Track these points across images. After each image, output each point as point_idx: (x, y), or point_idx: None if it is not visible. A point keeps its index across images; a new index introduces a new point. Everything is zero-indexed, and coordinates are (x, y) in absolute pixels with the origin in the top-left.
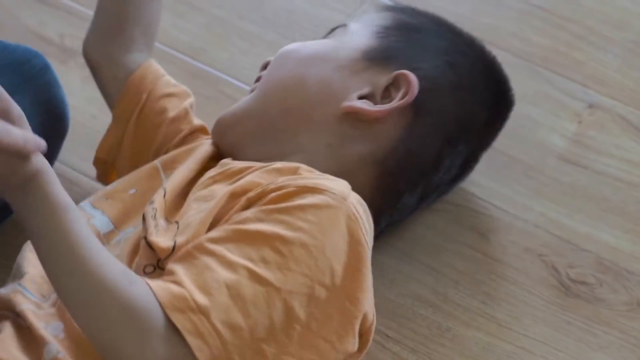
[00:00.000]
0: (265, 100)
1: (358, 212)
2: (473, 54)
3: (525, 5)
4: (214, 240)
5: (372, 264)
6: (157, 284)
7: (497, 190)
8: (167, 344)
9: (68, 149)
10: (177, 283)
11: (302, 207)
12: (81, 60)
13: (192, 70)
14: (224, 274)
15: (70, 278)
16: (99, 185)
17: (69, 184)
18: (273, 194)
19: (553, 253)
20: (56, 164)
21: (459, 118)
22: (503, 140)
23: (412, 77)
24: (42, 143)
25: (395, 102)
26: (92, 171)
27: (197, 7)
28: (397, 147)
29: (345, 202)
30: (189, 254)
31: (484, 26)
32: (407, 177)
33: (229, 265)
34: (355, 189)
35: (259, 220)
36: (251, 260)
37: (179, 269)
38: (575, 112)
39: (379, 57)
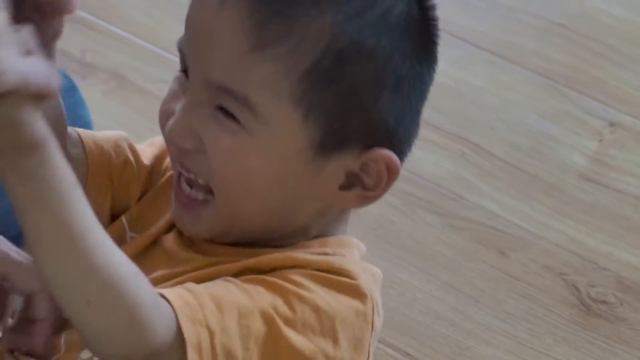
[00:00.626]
0: (235, 225)
1: (377, 305)
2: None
3: (546, 23)
4: (234, 280)
5: (394, 282)
6: (168, 289)
7: (517, 209)
8: (168, 347)
9: None
10: (192, 291)
11: (320, 278)
12: (102, 75)
13: None
14: (239, 298)
15: (67, 262)
16: None
17: None
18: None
19: (574, 272)
20: None
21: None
22: (524, 158)
23: (386, 156)
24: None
25: (384, 185)
26: None
27: None
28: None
29: (369, 299)
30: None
31: (505, 44)
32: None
33: (247, 293)
34: None
35: (275, 276)
36: (265, 301)
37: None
38: (596, 131)
39: (332, 145)
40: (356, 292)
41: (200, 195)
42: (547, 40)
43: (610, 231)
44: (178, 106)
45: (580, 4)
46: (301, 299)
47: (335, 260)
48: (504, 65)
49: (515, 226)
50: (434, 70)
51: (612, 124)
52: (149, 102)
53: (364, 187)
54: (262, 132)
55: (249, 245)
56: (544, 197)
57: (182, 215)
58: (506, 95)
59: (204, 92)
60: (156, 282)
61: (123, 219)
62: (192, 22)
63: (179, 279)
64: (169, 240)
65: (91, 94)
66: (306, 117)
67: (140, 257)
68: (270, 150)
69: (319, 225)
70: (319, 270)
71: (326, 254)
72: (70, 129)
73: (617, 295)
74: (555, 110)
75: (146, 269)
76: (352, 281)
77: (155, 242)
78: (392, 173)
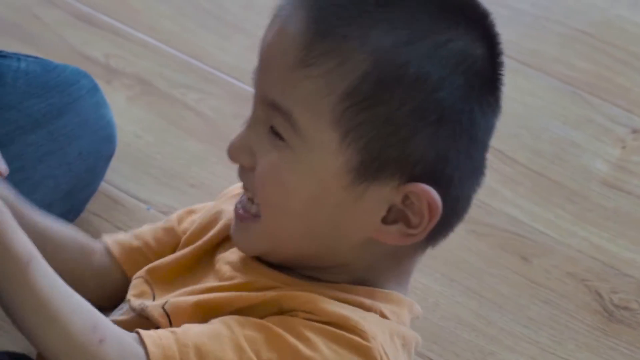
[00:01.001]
0: (277, 245)
1: (386, 354)
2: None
3: (569, 30)
4: (239, 321)
5: (417, 287)
6: (148, 335)
7: (540, 215)
8: None
9: (112, 169)
10: (178, 341)
11: (330, 334)
12: (126, 80)
13: (237, 91)
14: (227, 355)
15: (37, 328)
16: (142, 205)
17: (113, 204)
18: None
19: (596, 278)
20: (101, 183)
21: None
22: (546, 165)
23: (425, 191)
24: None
25: (426, 223)
26: (137, 191)
27: (242, 28)
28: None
29: (374, 341)
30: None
31: (528, 51)
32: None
33: (239, 350)
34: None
35: (284, 324)
36: (258, 356)
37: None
38: (618, 137)
39: (370, 172)
40: (365, 354)
41: (254, 210)
42: (571, 47)
43: (633, 237)
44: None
45: (603, 11)
46: (299, 358)
47: (353, 317)
48: (527, 72)
49: (538, 232)
50: (491, 114)
51: (635, 131)
52: (173, 107)
53: (408, 224)
54: (303, 150)
55: (293, 271)
56: (567, 204)
57: (234, 229)
58: (529, 102)
59: (262, 110)
60: (199, 292)
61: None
62: (261, 45)
63: (207, 296)
64: (227, 255)
65: (116, 99)
66: (344, 139)
67: (196, 265)
68: (309, 169)
69: (366, 268)
70: (332, 324)
71: (362, 304)
72: (97, 242)
73: (639, 301)
74: (578, 117)
75: (196, 277)
76: (363, 342)
77: (211, 254)
78: (433, 212)
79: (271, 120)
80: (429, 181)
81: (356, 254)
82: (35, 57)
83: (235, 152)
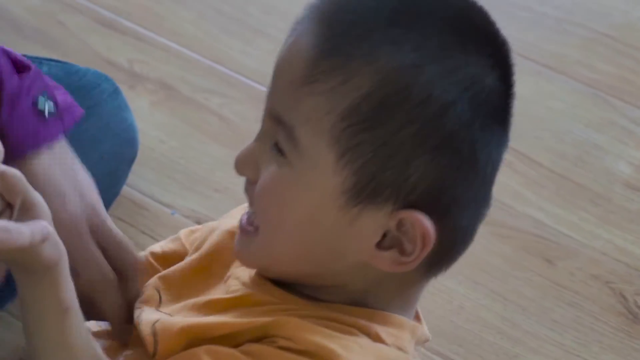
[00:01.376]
0: (274, 261)
1: None
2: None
3: (591, 33)
4: (209, 352)
5: (441, 290)
6: None
7: (564, 218)
8: None
9: (136, 173)
10: None
11: None
12: (150, 85)
13: (260, 96)
14: None
15: None
16: (166, 209)
17: (137, 208)
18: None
19: (620, 280)
20: (124, 188)
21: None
22: (570, 168)
23: (418, 220)
24: (48, 230)
25: (419, 252)
26: (161, 195)
27: (264, 33)
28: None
29: None
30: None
31: (550, 54)
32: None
33: None
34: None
35: (257, 355)
36: None
37: None
38: None
39: (365, 194)
40: None
41: (256, 223)
42: (593, 50)
43: None
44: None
45: (625, 14)
46: None
47: (330, 346)
48: (549, 75)
49: (562, 235)
50: (496, 146)
51: None
52: (196, 112)
53: (402, 251)
54: (301, 167)
55: (294, 288)
56: (590, 206)
57: (237, 241)
58: (552, 105)
59: (269, 124)
60: (200, 307)
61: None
62: (275, 61)
63: (194, 321)
64: (238, 271)
65: (139, 103)
66: (341, 158)
67: (199, 275)
68: (305, 187)
69: (364, 290)
70: (308, 353)
71: (356, 324)
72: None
73: None
74: (601, 119)
75: (208, 284)
76: None
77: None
78: (425, 241)
79: (276, 135)
80: (425, 209)
81: (353, 275)
82: (57, 61)
83: (241, 165)
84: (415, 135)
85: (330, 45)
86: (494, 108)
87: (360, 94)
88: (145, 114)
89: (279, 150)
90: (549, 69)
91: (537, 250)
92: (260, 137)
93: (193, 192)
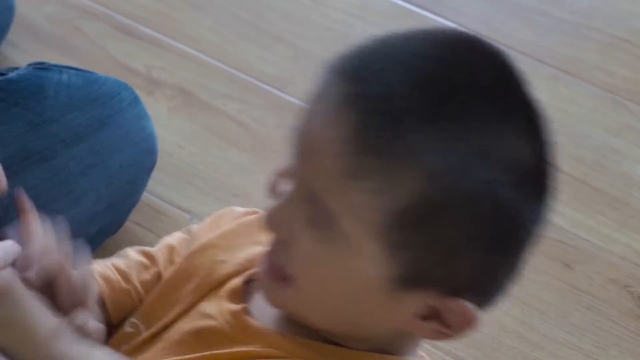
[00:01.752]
0: (307, 315)
1: None
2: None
3: (608, 38)
4: None
5: None
6: None
7: (582, 222)
8: None
9: (155, 179)
10: None
11: None
12: (168, 91)
13: (278, 101)
14: None
15: None
16: (186, 215)
17: (156, 214)
18: None
19: (639, 284)
20: (144, 194)
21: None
22: (588, 172)
23: (464, 307)
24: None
25: (463, 330)
26: (180, 201)
27: (282, 39)
28: None
29: None
30: None
31: (567, 59)
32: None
33: None
34: None
35: None
36: None
37: None
38: None
39: (411, 284)
40: None
41: (287, 272)
42: (610, 54)
43: None
44: (284, 187)
45: None
46: None
47: None
48: (567, 79)
49: (580, 239)
50: (537, 227)
51: None
52: (214, 118)
53: (444, 323)
54: (346, 252)
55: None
56: (609, 210)
57: (268, 284)
58: (570, 110)
59: (306, 195)
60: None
61: (133, 319)
62: (302, 130)
63: None
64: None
65: (157, 109)
66: (389, 252)
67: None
68: (349, 271)
69: (389, 342)
70: None
71: None
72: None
73: None
74: (619, 124)
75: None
76: None
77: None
78: (471, 326)
79: (315, 211)
80: (470, 294)
81: (384, 332)
82: (77, 69)
83: (275, 224)
84: (465, 235)
85: (373, 142)
86: (536, 190)
87: (410, 196)
88: (163, 120)
89: (316, 224)
90: (566, 74)
91: (556, 254)
92: (293, 200)
93: (212, 197)
